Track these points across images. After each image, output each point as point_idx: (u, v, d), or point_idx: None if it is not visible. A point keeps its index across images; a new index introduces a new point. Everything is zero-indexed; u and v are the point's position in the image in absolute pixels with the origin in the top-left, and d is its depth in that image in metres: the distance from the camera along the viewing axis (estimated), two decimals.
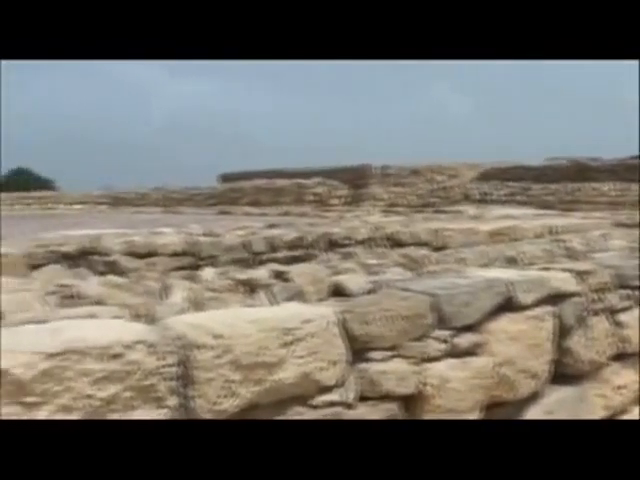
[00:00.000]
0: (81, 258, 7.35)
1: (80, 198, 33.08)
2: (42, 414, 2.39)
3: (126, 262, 7.29)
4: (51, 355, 2.40)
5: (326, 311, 3.23)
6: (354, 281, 4.09)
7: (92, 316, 3.27)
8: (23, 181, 50.23)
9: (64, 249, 7.37)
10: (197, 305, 3.68)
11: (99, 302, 3.85)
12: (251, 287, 4.31)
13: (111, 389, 2.52)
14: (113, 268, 6.96)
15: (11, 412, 2.34)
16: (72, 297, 4.03)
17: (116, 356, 2.53)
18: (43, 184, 49.39)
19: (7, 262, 6.56)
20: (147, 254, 7.71)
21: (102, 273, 6.41)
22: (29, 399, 2.37)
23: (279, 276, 4.62)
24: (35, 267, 6.80)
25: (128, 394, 2.56)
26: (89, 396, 2.48)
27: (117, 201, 31.91)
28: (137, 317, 3.34)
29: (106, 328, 2.70)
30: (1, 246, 6.61)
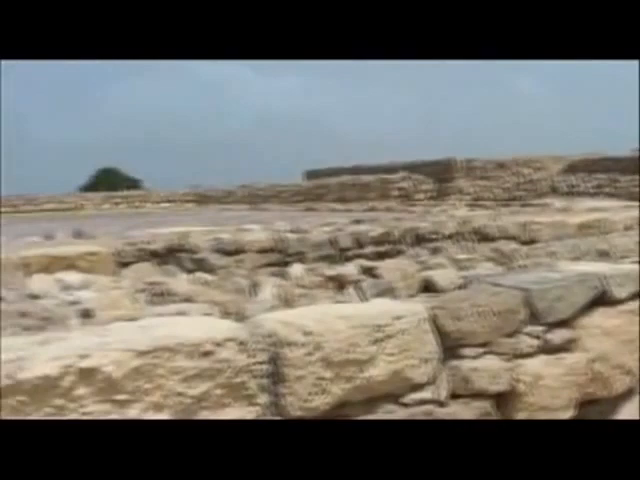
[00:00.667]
0: (169, 256, 7.42)
1: (167, 196, 33.52)
2: (133, 412, 2.40)
3: (214, 259, 7.34)
4: (142, 353, 2.42)
5: (417, 307, 3.19)
6: (444, 276, 4.05)
7: (182, 313, 3.30)
8: (111, 180, 51.06)
9: (152, 247, 7.46)
10: (287, 302, 3.68)
11: (188, 299, 3.88)
12: (340, 283, 4.30)
13: (202, 387, 2.53)
14: (201, 265, 7.02)
15: (102, 410, 2.35)
16: (162, 294, 4.07)
17: (207, 353, 2.54)
18: (131, 183, 50.14)
19: (97, 260, 6.66)
20: (235, 251, 7.77)
21: (191, 270, 6.47)
22: (120, 397, 2.38)
23: (367, 272, 4.60)
24: (124, 265, 6.89)
25: (219, 392, 2.57)
26: (180, 394, 2.48)
27: (204, 199, 32.24)
28: (227, 314, 3.35)
29: (196, 325, 2.71)
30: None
